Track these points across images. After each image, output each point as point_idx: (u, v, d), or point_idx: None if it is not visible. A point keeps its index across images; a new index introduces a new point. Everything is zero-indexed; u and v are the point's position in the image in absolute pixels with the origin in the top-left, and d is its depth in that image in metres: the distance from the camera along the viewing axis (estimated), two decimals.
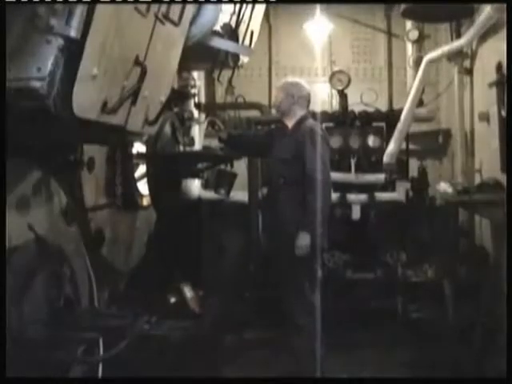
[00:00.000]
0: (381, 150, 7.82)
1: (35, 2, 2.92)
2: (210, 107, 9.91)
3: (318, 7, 9.52)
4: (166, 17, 3.82)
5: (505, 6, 5.28)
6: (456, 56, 8.24)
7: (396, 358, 5.99)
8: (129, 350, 3.93)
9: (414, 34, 9.28)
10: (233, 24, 5.89)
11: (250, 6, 6.00)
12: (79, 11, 3.00)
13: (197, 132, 7.81)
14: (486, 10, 6.49)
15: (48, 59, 2.94)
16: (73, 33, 2.99)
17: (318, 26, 9.94)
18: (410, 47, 9.57)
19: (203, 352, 5.60)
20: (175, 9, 3.91)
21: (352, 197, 7.60)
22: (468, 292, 6.33)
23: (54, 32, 2.95)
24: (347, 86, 8.14)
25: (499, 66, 6.44)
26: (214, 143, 7.02)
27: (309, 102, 5.80)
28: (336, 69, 8.74)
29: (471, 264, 6.95)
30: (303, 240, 5.18)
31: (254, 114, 9.45)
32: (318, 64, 10.58)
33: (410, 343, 6.31)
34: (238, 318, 6.77)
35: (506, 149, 5.72)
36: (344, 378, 5.07)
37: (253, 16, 6.16)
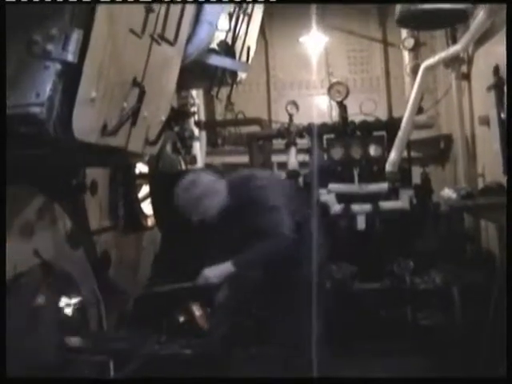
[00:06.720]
0: (383, 159, 7.80)
1: (35, 2, 2.94)
2: (210, 125, 9.97)
3: (313, 20, 9.57)
4: (162, 37, 3.84)
5: (503, 7, 5.27)
6: (453, 62, 8.26)
7: (407, 367, 5.95)
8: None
9: (410, 42, 9.32)
10: (229, 41, 5.92)
11: (245, 22, 6.03)
12: (75, 36, 3.02)
13: (198, 150, 7.83)
14: (480, 15, 6.50)
15: (46, 84, 2.96)
16: (70, 57, 3.01)
17: (314, 39, 10.01)
18: (406, 55, 9.63)
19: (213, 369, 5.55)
20: (170, 28, 3.93)
21: (356, 207, 7.57)
22: (477, 297, 6.29)
23: (52, 57, 2.97)
24: (346, 96, 8.14)
25: (496, 70, 6.45)
26: (216, 160, 7.04)
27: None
28: (334, 80, 8.75)
29: (479, 269, 6.92)
30: None
31: (254, 129, 9.51)
32: (315, 76, 10.62)
33: (420, 351, 6.27)
34: (245, 334, 6.73)
35: (506, 151, 5.72)
36: (344, 378, 5.02)
37: (248, 32, 6.19)
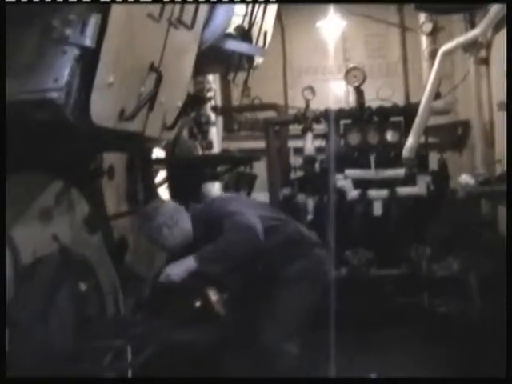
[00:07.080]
0: (400, 145, 7.77)
1: (35, 2, 2.93)
2: (226, 110, 9.96)
3: (330, 5, 9.53)
4: (180, 21, 3.82)
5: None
6: (471, 46, 8.19)
7: (423, 354, 5.94)
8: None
9: (428, 27, 9.25)
10: (246, 26, 5.89)
11: (262, 7, 5.99)
12: (93, 20, 3.00)
13: (215, 135, 7.82)
14: None
15: (64, 69, 2.94)
16: (88, 42, 3.00)
17: (331, 24, 9.96)
18: (424, 40, 9.55)
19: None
20: (188, 13, 3.91)
21: (373, 193, 7.57)
22: (494, 284, 6.26)
23: (70, 42, 2.95)
24: (363, 82, 8.10)
25: None
26: (233, 146, 7.03)
27: None
28: (351, 65, 8.69)
29: (496, 255, 6.89)
30: None
31: (270, 114, 9.49)
32: (332, 62, 10.58)
33: (437, 338, 6.25)
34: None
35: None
36: (346, 378, 5.00)
37: (265, 17, 6.15)
